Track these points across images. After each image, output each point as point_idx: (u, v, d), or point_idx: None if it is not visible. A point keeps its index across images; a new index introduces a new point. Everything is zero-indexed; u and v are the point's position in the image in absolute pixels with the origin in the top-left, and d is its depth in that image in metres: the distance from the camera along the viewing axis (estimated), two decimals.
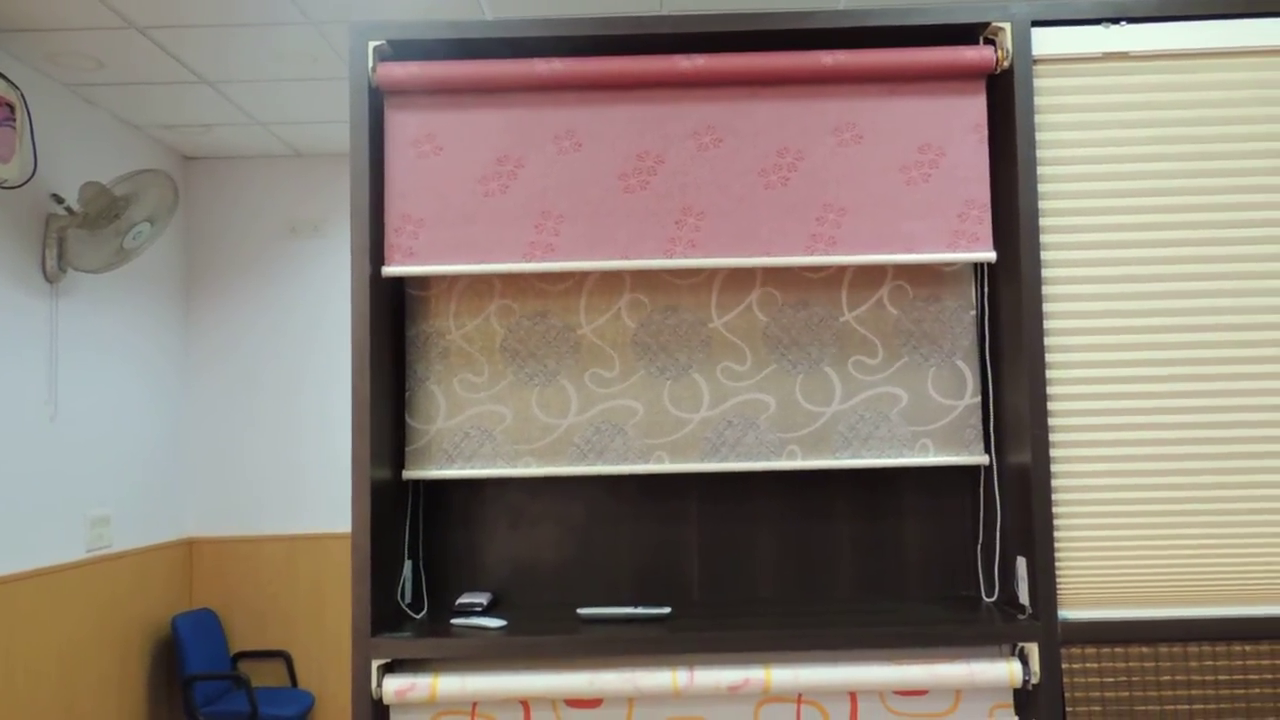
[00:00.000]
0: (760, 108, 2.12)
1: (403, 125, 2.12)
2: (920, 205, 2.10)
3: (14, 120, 3.68)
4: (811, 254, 2.09)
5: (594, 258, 2.10)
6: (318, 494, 5.10)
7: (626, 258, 2.10)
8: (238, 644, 5.03)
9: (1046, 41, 2.08)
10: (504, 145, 2.12)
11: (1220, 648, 1.98)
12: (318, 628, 5.05)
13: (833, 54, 2.09)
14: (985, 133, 2.12)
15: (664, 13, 3.59)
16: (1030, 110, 2.05)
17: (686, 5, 3.54)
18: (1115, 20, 2.08)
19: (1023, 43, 2.06)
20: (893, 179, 2.11)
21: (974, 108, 2.12)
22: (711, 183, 2.11)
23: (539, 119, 2.12)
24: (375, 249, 2.08)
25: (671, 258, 2.10)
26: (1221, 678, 1.97)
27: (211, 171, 5.21)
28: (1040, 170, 2.06)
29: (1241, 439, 2.02)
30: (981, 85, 2.13)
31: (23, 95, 3.77)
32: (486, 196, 2.11)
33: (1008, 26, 2.07)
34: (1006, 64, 2.08)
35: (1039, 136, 2.06)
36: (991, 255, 2.10)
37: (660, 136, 2.12)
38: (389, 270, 2.10)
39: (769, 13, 2.09)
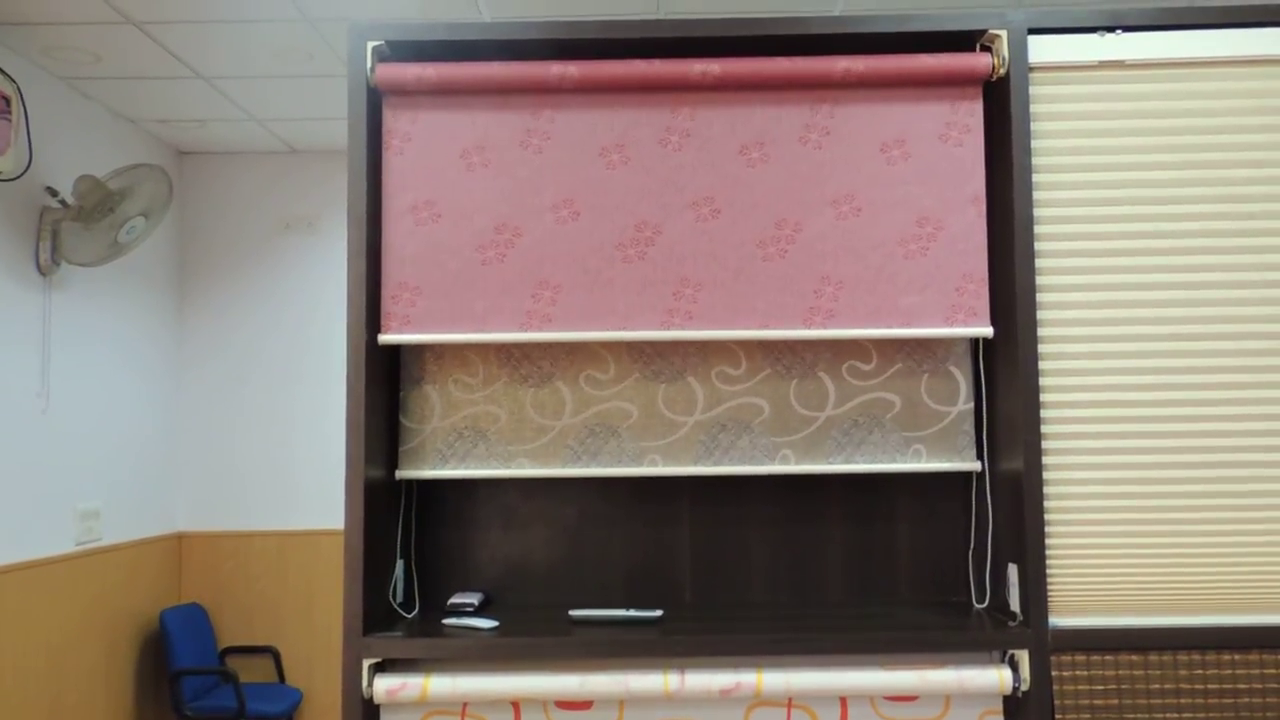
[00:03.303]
0: (759, 179, 2.12)
1: (402, 184, 2.11)
2: (918, 279, 2.10)
3: (9, 113, 3.67)
4: (809, 327, 2.09)
5: (591, 328, 2.10)
6: (308, 490, 5.10)
7: (624, 329, 2.10)
8: (226, 639, 5.02)
9: (1043, 49, 2.09)
10: (502, 213, 2.12)
11: (1210, 656, 1.99)
12: (306, 624, 5.04)
13: (824, 59, 2.10)
14: (984, 205, 2.11)
15: (661, 16, 3.59)
16: (1026, 117, 2.05)
17: (681, 9, 3.54)
18: (1111, 29, 2.09)
19: (1019, 50, 2.07)
20: (891, 252, 2.10)
21: (973, 177, 2.11)
22: (709, 254, 2.11)
23: (537, 187, 2.12)
24: (372, 245, 2.08)
25: (669, 329, 2.10)
26: (1211, 686, 1.98)
27: (206, 166, 5.20)
28: (1035, 178, 2.07)
29: (1233, 448, 2.03)
30: (978, 92, 2.13)
31: (19, 88, 3.75)
32: (484, 265, 2.11)
33: (1004, 34, 2.08)
34: (1003, 71, 2.08)
35: (1034, 144, 2.07)
36: (988, 330, 2.10)
37: (659, 207, 2.12)
38: (385, 339, 2.10)
39: (767, 18, 2.10)
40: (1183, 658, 1.99)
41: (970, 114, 2.12)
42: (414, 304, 2.10)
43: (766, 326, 2.10)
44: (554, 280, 2.10)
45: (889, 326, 2.10)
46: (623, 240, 2.11)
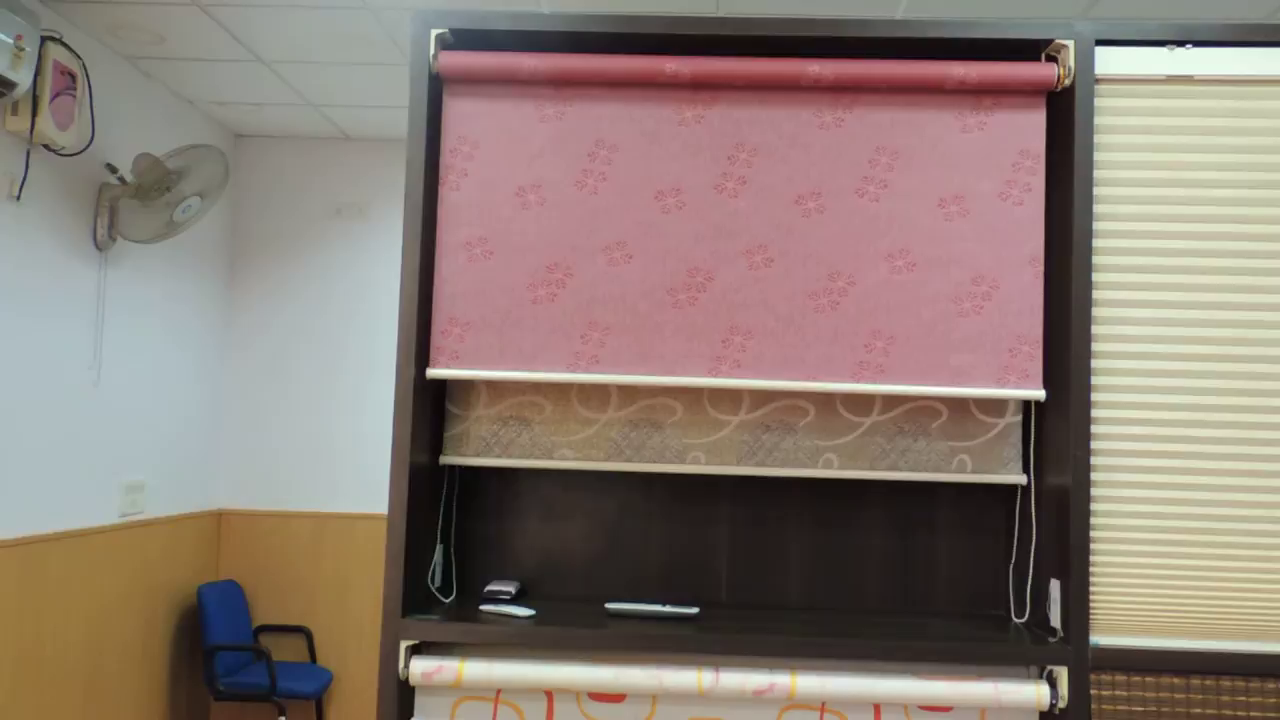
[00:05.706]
0: (814, 229, 2.10)
1: (456, 220, 2.12)
2: (971, 337, 2.08)
3: (74, 89, 3.74)
4: (858, 381, 2.07)
5: (639, 372, 2.09)
6: (348, 474, 5.14)
7: (672, 374, 2.09)
8: (260, 617, 5.08)
9: (1110, 61, 2.06)
10: (555, 253, 2.12)
11: (1254, 684, 1.95)
12: (340, 606, 5.09)
13: (884, 63, 2.08)
14: (1041, 266, 2.08)
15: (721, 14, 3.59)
16: (1090, 128, 2.03)
17: (742, 8, 3.54)
18: (1180, 43, 2.06)
19: (1085, 61, 2.05)
20: (944, 309, 2.08)
21: (1031, 238, 2.08)
22: (760, 303, 2.09)
23: (591, 228, 2.12)
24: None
25: (717, 377, 2.09)
26: (1254, 714, 1.94)
27: (261, 150, 5.27)
28: (1096, 190, 2.04)
29: None
30: (1042, 102, 2.11)
31: (84, 65, 3.82)
32: (535, 303, 2.11)
33: (1071, 44, 2.06)
34: (1068, 82, 2.06)
35: (1098, 156, 2.05)
36: (1040, 394, 2.07)
37: (711, 253, 2.11)
38: (433, 373, 2.11)
39: (830, 19, 2.09)
40: (1225, 683, 1.96)
41: (1031, 173, 2.09)
42: (463, 339, 2.11)
43: (815, 378, 2.08)
44: (603, 322, 2.10)
45: (939, 384, 2.07)
46: (674, 285, 2.10)
